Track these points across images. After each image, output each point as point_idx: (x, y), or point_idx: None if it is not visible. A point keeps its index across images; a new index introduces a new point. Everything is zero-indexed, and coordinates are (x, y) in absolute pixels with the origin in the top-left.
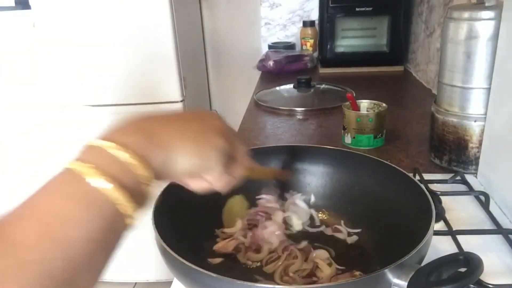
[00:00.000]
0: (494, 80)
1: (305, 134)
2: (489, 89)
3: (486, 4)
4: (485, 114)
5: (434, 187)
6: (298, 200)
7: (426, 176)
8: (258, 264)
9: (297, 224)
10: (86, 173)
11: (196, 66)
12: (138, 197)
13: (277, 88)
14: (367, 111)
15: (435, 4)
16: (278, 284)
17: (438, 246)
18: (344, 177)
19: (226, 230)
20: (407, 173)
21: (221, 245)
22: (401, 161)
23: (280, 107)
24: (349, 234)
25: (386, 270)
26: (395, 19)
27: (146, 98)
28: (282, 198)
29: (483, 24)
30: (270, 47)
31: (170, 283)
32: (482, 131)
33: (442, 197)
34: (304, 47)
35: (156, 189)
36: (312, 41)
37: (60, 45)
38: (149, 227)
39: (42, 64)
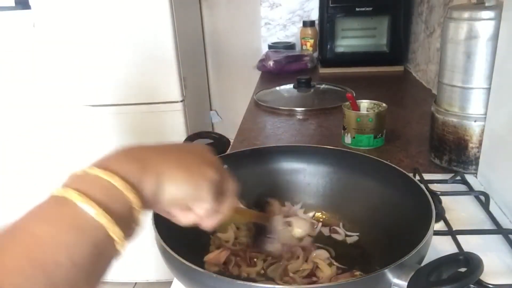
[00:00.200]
0: (494, 80)
1: (305, 134)
2: (489, 89)
3: (486, 4)
4: (485, 114)
5: (434, 187)
6: (299, 212)
7: (426, 176)
8: (254, 275)
9: (298, 232)
10: (72, 197)
11: (196, 66)
12: (126, 223)
13: (277, 88)
14: (367, 111)
15: (435, 4)
16: (278, 284)
17: (438, 246)
18: (344, 177)
19: (220, 235)
20: (407, 173)
21: (212, 257)
22: (401, 161)
23: (280, 107)
24: (347, 235)
25: (386, 270)
26: (395, 19)
27: (146, 98)
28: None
29: (483, 24)
30: (270, 47)
31: (170, 283)
32: (482, 131)
33: (442, 197)
34: (304, 47)
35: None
36: (312, 41)
37: (60, 45)
38: (149, 227)
39: (42, 64)
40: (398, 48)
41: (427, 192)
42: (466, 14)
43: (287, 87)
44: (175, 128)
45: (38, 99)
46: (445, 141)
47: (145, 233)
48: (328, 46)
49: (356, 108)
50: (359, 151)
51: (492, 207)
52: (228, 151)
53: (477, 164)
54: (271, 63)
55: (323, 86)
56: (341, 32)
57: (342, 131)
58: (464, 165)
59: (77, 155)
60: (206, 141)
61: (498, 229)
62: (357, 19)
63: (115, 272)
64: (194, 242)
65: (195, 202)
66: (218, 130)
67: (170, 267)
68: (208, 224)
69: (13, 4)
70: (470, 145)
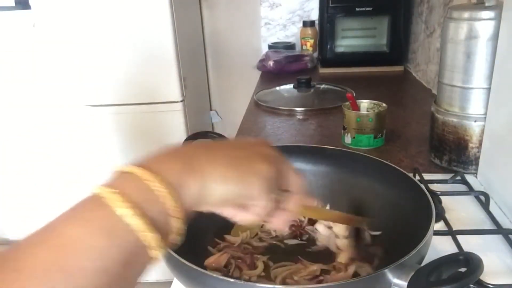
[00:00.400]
0: (494, 80)
1: (305, 134)
2: (489, 89)
3: (486, 4)
4: (485, 114)
5: (434, 187)
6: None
7: (426, 176)
8: (255, 279)
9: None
10: (110, 199)
11: (196, 66)
12: (163, 229)
13: (277, 88)
14: (367, 111)
15: (435, 4)
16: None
17: (438, 246)
18: (344, 177)
19: (229, 237)
20: (407, 173)
21: (212, 260)
22: (401, 161)
23: (280, 107)
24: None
25: (386, 270)
26: (395, 19)
27: (146, 98)
28: None
29: (483, 24)
30: (270, 47)
31: (170, 283)
32: (482, 131)
33: (442, 197)
34: (304, 47)
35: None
36: (312, 41)
37: (60, 45)
38: None
39: (42, 64)
40: (398, 48)
41: (427, 192)
42: (466, 14)
43: (287, 87)
44: (175, 128)
45: (38, 99)
46: (445, 141)
47: None
48: (328, 46)
49: (356, 108)
50: (359, 151)
51: (492, 207)
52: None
53: (477, 164)
54: (271, 63)
55: (323, 86)
56: (341, 32)
57: (342, 131)
58: (464, 165)
59: (77, 155)
60: (206, 141)
61: (498, 229)
62: (357, 19)
63: None
64: (194, 243)
65: (247, 200)
66: (218, 130)
67: (170, 267)
68: (276, 222)
69: (13, 4)
70: (470, 145)
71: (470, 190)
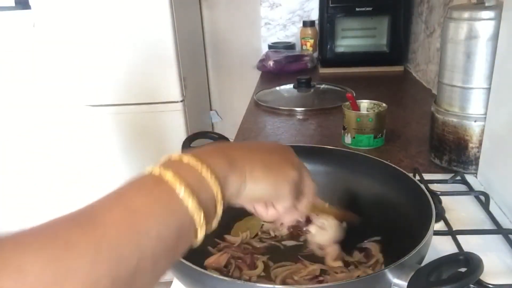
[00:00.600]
0: (494, 80)
1: (305, 134)
2: (489, 89)
3: (486, 4)
4: (485, 114)
5: (434, 187)
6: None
7: (426, 176)
8: (255, 279)
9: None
10: (168, 178)
11: (196, 66)
12: (209, 213)
13: (277, 88)
14: (367, 111)
15: (435, 4)
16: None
17: (438, 246)
18: (344, 177)
19: (228, 237)
20: (407, 173)
21: (212, 261)
22: (401, 161)
23: (280, 107)
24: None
25: (386, 270)
26: (395, 19)
27: (146, 98)
28: None
29: (483, 24)
30: (270, 47)
31: (170, 283)
32: (482, 131)
33: (442, 197)
34: (304, 47)
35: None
36: (312, 41)
37: (60, 45)
38: None
39: (42, 64)
40: (398, 48)
41: (427, 192)
42: (466, 14)
43: (287, 87)
44: (175, 128)
45: (38, 99)
46: (445, 141)
47: None
48: (328, 46)
49: (356, 108)
50: (359, 151)
51: (492, 207)
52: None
53: (477, 164)
54: (271, 63)
55: (323, 86)
56: (341, 32)
57: (342, 131)
58: (464, 165)
59: (77, 155)
60: (206, 141)
61: (498, 229)
62: (357, 19)
63: None
64: None
65: (275, 200)
66: (218, 130)
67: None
68: (287, 220)
69: (13, 4)
70: (470, 145)
71: (470, 190)
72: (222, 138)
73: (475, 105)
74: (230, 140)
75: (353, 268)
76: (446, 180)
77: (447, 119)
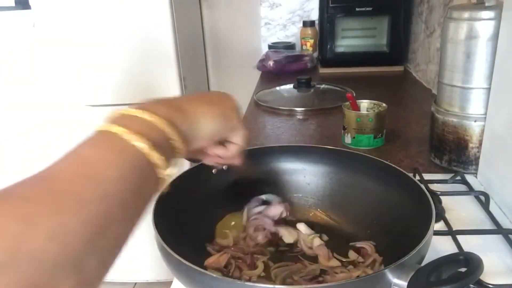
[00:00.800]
0: (494, 80)
1: (305, 134)
2: (489, 89)
3: (486, 4)
4: (485, 114)
5: (434, 187)
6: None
7: (426, 176)
8: (255, 279)
9: (289, 238)
10: (115, 129)
11: (196, 66)
12: (167, 152)
13: (277, 88)
14: (367, 111)
15: (435, 4)
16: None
17: (438, 246)
18: (344, 177)
19: (219, 241)
20: (407, 173)
21: (212, 261)
22: (401, 161)
23: (280, 107)
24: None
25: (386, 270)
26: (395, 19)
27: (146, 98)
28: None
29: (483, 24)
30: (270, 47)
31: (170, 283)
32: (482, 131)
33: (442, 197)
34: (304, 47)
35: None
36: (312, 41)
37: (60, 45)
38: (149, 227)
39: (42, 64)
40: (398, 48)
41: (427, 192)
42: (466, 14)
43: (287, 87)
44: None
45: (38, 99)
46: (445, 141)
47: (145, 233)
48: (328, 46)
49: (356, 108)
50: (359, 151)
51: (492, 207)
52: None
53: (477, 164)
54: (271, 63)
55: (323, 86)
56: (341, 32)
57: (342, 131)
58: (464, 165)
59: None
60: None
61: (498, 229)
62: (357, 19)
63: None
64: (194, 243)
65: (230, 131)
66: None
67: (170, 267)
68: (236, 160)
69: (13, 4)
70: (470, 145)
71: (470, 190)
72: None
73: (475, 105)
74: None
75: (352, 267)
76: (446, 180)
77: (447, 119)
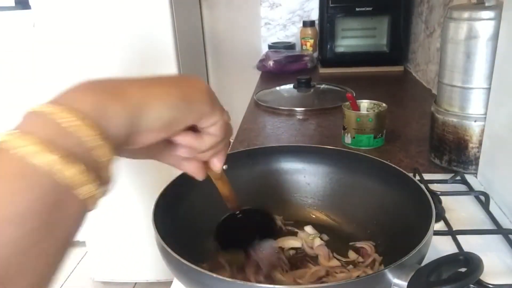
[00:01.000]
0: (494, 80)
1: (305, 134)
2: (489, 89)
3: (486, 4)
4: (485, 114)
5: (434, 187)
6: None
7: (426, 176)
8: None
9: (294, 244)
10: (10, 142)
11: (196, 66)
12: (88, 163)
13: (277, 88)
14: (367, 111)
15: (435, 4)
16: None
17: (438, 246)
18: (344, 177)
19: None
20: (407, 173)
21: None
22: (401, 161)
23: (280, 107)
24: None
25: (386, 270)
26: (395, 19)
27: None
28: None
29: (483, 24)
30: (270, 47)
31: (170, 283)
32: (482, 131)
33: (442, 197)
34: (304, 47)
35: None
36: (312, 41)
37: (60, 45)
38: (149, 227)
39: (42, 64)
40: (398, 48)
41: (427, 192)
42: (466, 14)
43: (287, 87)
44: None
45: (38, 99)
46: (445, 141)
47: (145, 233)
48: (328, 46)
49: (356, 108)
50: (359, 151)
51: (492, 207)
52: (228, 151)
53: (477, 164)
54: (271, 63)
55: (323, 86)
56: (341, 32)
57: (342, 131)
58: (464, 165)
59: None
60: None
61: (498, 229)
62: (357, 19)
63: (115, 272)
64: (194, 243)
65: (195, 118)
66: None
67: (170, 267)
68: (217, 163)
69: (13, 4)
70: (470, 145)
71: (470, 190)
72: None
73: (475, 105)
74: (230, 140)
75: (352, 267)
76: (446, 180)
77: (447, 119)
